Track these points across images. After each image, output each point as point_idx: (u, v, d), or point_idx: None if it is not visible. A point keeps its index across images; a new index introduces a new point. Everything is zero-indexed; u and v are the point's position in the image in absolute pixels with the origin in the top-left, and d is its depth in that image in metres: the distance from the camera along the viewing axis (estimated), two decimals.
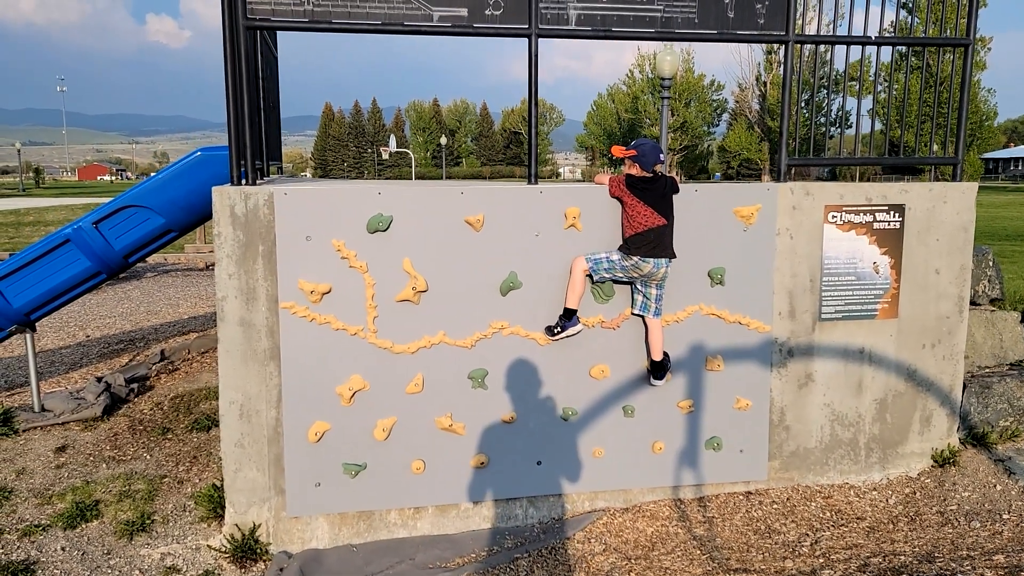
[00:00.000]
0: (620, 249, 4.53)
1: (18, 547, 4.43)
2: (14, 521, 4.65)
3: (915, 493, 5.09)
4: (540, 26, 4.60)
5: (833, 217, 4.98)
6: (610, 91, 71.21)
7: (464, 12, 4.55)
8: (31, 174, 75.10)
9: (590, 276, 4.61)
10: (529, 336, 4.69)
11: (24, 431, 5.68)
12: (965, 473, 5.19)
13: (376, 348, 4.52)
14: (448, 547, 4.70)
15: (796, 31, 4.84)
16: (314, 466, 4.54)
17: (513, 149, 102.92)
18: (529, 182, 4.84)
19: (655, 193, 4.46)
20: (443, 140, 69.48)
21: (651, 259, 4.42)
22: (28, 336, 5.92)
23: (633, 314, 4.73)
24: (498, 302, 4.64)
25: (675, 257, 4.54)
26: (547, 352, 4.73)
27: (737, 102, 60.38)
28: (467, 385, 4.66)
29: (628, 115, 64.30)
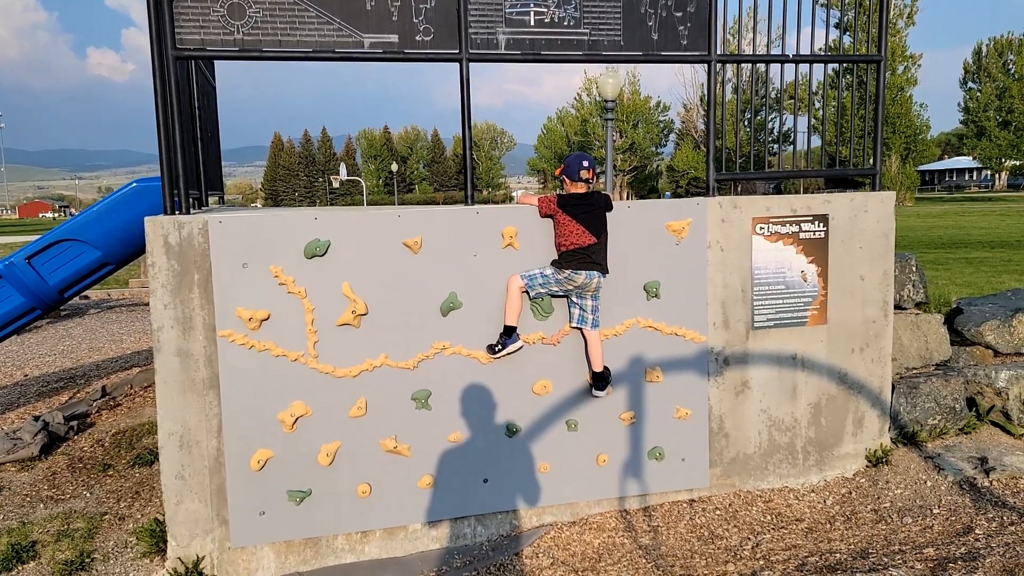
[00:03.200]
0: (553, 264, 4.63)
1: None
2: None
3: (851, 493, 5.25)
4: (470, 51, 4.71)
5: (761, 228, 5.16)
6: (559, 114, 72.24)
7: (395, 39, 4.64)
8: None
9: (527, 293, 4.69)
10: (471, 355, 4.75)
11: None
12: (897, 471, 5.37)
13: (318, 373, 4.52)
14: (397, 570, 4.70)
15: (718, 51, 5.03)
16: (258, 495, 4.51)
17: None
18: (466, 204, 4.91)
19: (586, 210, 4.58)
20: (394, 167, 69.49)
21: (583, 271, 4.53)
22: None
23: (572, 328, 4.83)
24: (439, 323, 4.69)
25: (607, 273, 4.65)
26: (490, 370, 4.78)
27: (683, 122, 61.75)
28: (411, 406, 4.69)
29: (578, 137, 65.27)
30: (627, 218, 4.85)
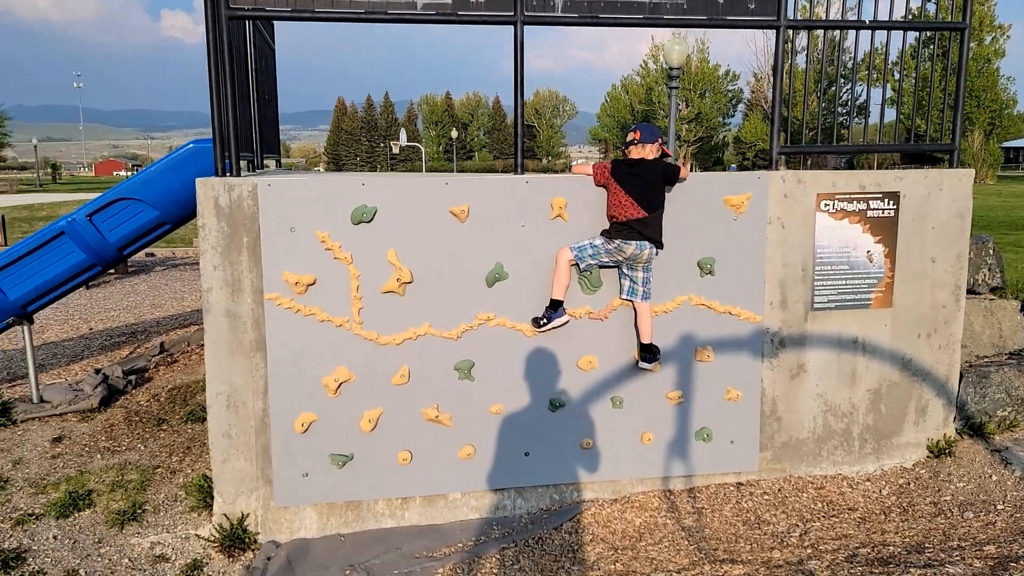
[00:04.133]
0: (603, 233, 4.51)
1: (11, 535, 4.47)
2: (8, 510, 4.70)
3: (909, 484, 5.03)
4: (526, 13, 4.56)
5: (826, 205, 4.91)
6: (624, 82, 70.89)
7: (449, 0, 4.52)
8: (48, 170, 75.85)
9: (576, 265, 4.58)
10: (515, 327, 4.67)
11: (22, 422, 5.74)
12: (961, 464, 5.12)
13: (362, 339, 4.51)
14: (436, 537, 4.70)
15: (788, 16, 4.77)
16: (301, 456, 4.55)
17: (527, 142, 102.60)
18: (516, 172, 4.81)
19: (639, 180, 4.42)
20: (454, 134, 69.34)
21: (633, 241, 4.39)
22: (26, 328, 5.98)
23: (621, 299, 4.71)
24: (484, 293, 4.62)
25: (661, 247, 4.51)
26: (534, 343, 4.71)
27: (753, 92, 59.94)
28: (454, 376, 4.66)
29: (642, 106, 64.02)
30: (683, 191, 4.67)
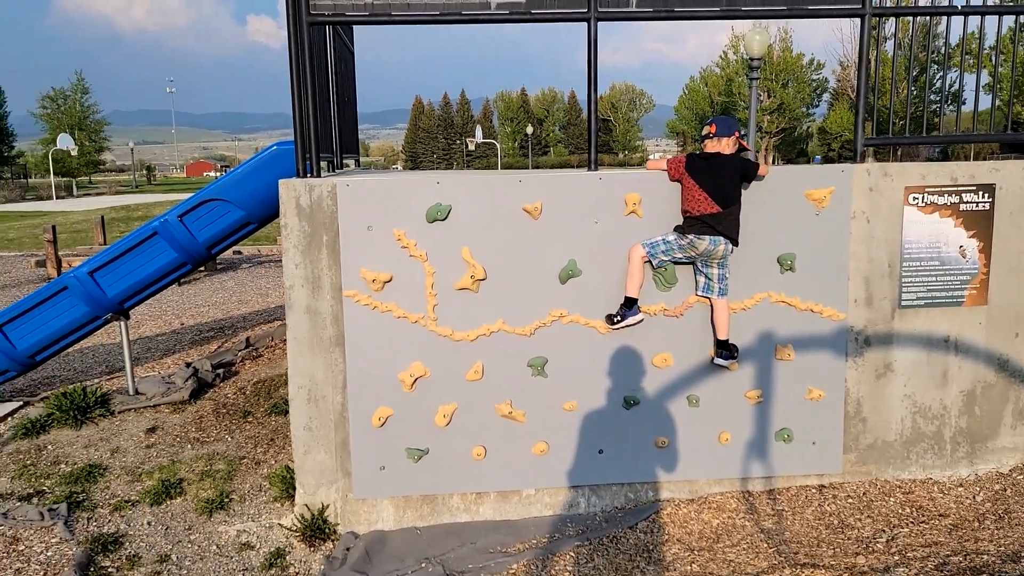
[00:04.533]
0: (676, 229, 4.44)
1: (109, 520, 4.73)
2: (107, 496, 4.97)
3: (1006, 490, 4.78)
4: (599, 9, 4.53)
5: (914, 199, 4.71)
6: (703, 74, 69.43)
7: None
8: (144, 172, 79.68)
9: (650, 262, 4.52)
10: (589, 324, 4.66)
11: (119, 413, 6.05)
12: None
13: (436, 336, 4.58)
14: (509, 533, 4.74)
15: (873, 3, 4.59)
16: (378, 450, 4.65)
17: (602, 136, 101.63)
18: (589, 169, 4.78)
19: (714, 174, 4.33)
20: (529, 129, 69.35)
21: (706, 236, 4.31)
22: (122, 324, 6.30)
23: (698, 297, 4.63)
24: (557, 290, 4.62)
25: (736, 244, 4.41)
26: (608, 340, 4.68)
27: (839, 81, 57.81)
28: (527, 373, 4.67)
29: (722, 98, 62.55)
30: (761, 185, 4.56)
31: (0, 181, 57.09)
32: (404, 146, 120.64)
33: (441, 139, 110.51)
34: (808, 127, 66.22)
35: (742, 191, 4.44)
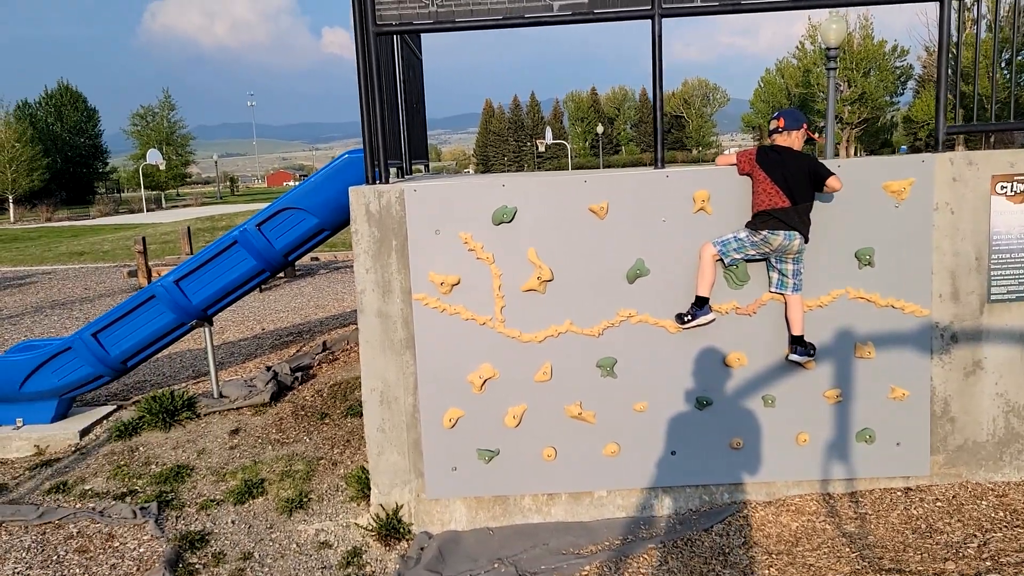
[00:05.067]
0: (747, 226, 4.34)
1: (196, 519, 4.94)
2: (194, 496, 5.19)
3: None
4: (663, 6, 4.48)
5: (1002, 188, 4.48)
6: (779, 65, 67.69)
7: None
8: (227, 183, 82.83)
9: (721, 261, 4.44)
10: (658, 324, 4.60)
11: (205, 415, 6.30)
12: None
13: (504, 337, 4.61)
14: (582, 534, 4.72)
15: None
16: (450, 451, 4.71)
17: (675, 133, 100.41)
18: (656, 167, 4.73)
19: (784, 168, 4.22)
20: (599, 129, 69.01)
21: (781, 231, 4.20)
22: (207, 330, 6.57)
23: (771, 293, 4.52)
24: (625, 290, 4.58)
25: (807, 240, 4.28)
26: (678, 340, 4.61)
27: (924, 67, 55.38)
28: (596, 374, 4.65)
29: (799, 89, 60.82)
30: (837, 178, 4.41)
31: (95, 196, 60.38)
32: (475, 150, 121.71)
33: (512, 141, 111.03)
34: (892, 116, 63.68)
35: (815, 193, 4.30)
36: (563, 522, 4.82)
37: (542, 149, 78.20)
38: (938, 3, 4.46)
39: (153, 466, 5.53)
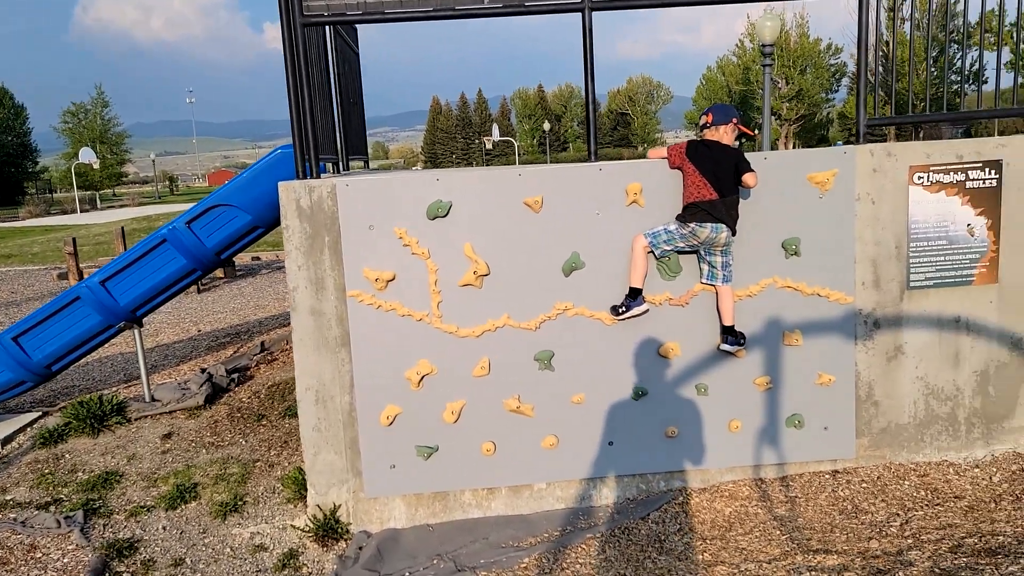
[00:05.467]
0: (677, 218, 4.41)
1: (125, 526, 4.80)
2: (123, 502, 5.05)
3: (1023, 470, 4.70)
4: None
5: (919, 178, 4.64)
6: (720, 63, 68.91)
7: None
8: (166, 182, 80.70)
9: (652, 253, 4.50)
10: (594, 316, 4.64)
11: (136, 419, 6.14)
12: None
13: (441, 333, 4.59)
14: (522, 527, 4.74)
15: None
16: (388, 449, 4.68)
17: (620, 130, 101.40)
18: (589, 160, 4.76)
19: (713, 162, 4.30)
20: (546, 126, 69.35)
21: (708, 224, 4.28)
22: (136, 332, 6.39)
23: (702, 285, 4.60)
24: (561, 283, 4.61)
25: (735, 233, 4.37)
26: (614, 332, 4.66)
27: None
28: (534, 367, 4.67)
29: (739, 87, 62.03)
30: (763, 170, 4.51)
31: (25, 197, 58.13)
32: (423, 147, 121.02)
33: (460, 139, 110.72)
34: (828, 112, 65.42)
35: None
36: (503, 516, 4.83)
37: (490, 146, 78.19)
38: (857, 1, 4.60)
39: (80, 473, 5.36)
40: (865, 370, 4.80)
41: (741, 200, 4.44)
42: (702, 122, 4.51)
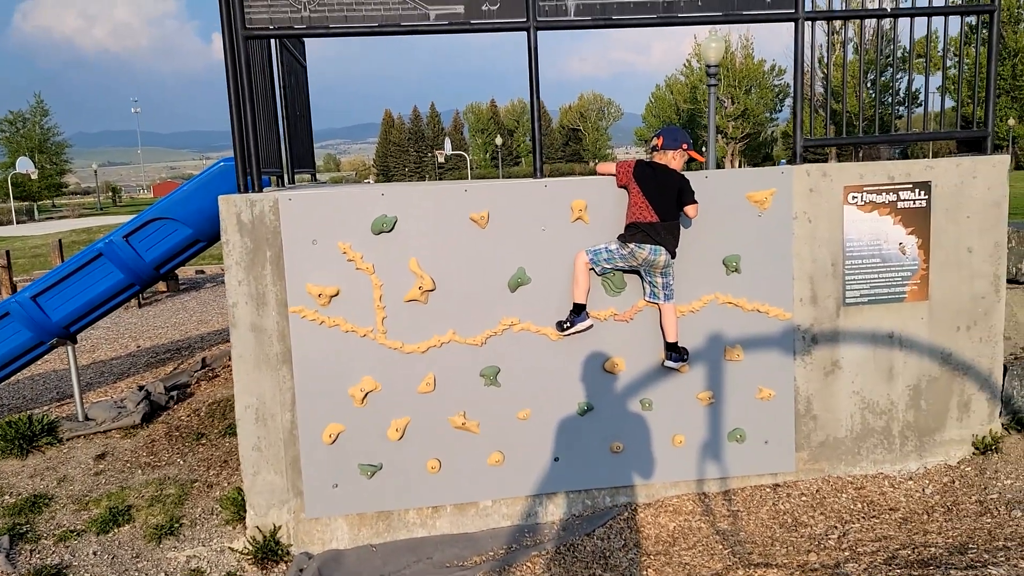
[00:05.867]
0: (618, 238, 4.45)
1: (53, 552, 4.62)
2: (52, 527, 4.85)
3: (954, 482, 4.85)
4: (538, 18, 4.55)
5: (854, 198, 4.78)
6: (668, 82, 70.20)
7: (460, 9, 4.53)
8: (109, 193, 78.56)
9: (594, 269, 4.54)
10: (540, 332, 4.65)
11: (68, 439, 5.92)
12: (1008, 460, 4.91)
13: (386, 349, 4.55)
14: (467, 546, 4.70)
15: (806, 7, 4.66)
16: (330, 467, 4.60)
17: (572, 146, 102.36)
18: (535, 176, 4.79)
19: (658, 186, 4.34)
20: (499, 141, 69.65)
21: (647, 245, 4.32)
22: (69, 348, 6.17)
23: (646, 300, 4.65)
24: (507, 298, 4.61)
25: (674, 256, 4.42)
26: (560, 347, 4.68)
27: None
28: (479, 383, 4.65)
29: (687, 105, 63.28)
30: (705, 189, 4.59)
31: None
32: (375, 160, 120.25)
33: (412, 152, 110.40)
34: (772, 132, 67.11)
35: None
36: (448, 534, 4.78)
37: (442, 160, 78.10)
38: (792, 24, 4.73)
39: (7, 497, 5.13)
40: (804, 385, 4.90)
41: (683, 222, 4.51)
42: (652, 144, 4.56)
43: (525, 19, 4.55)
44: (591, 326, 4.60)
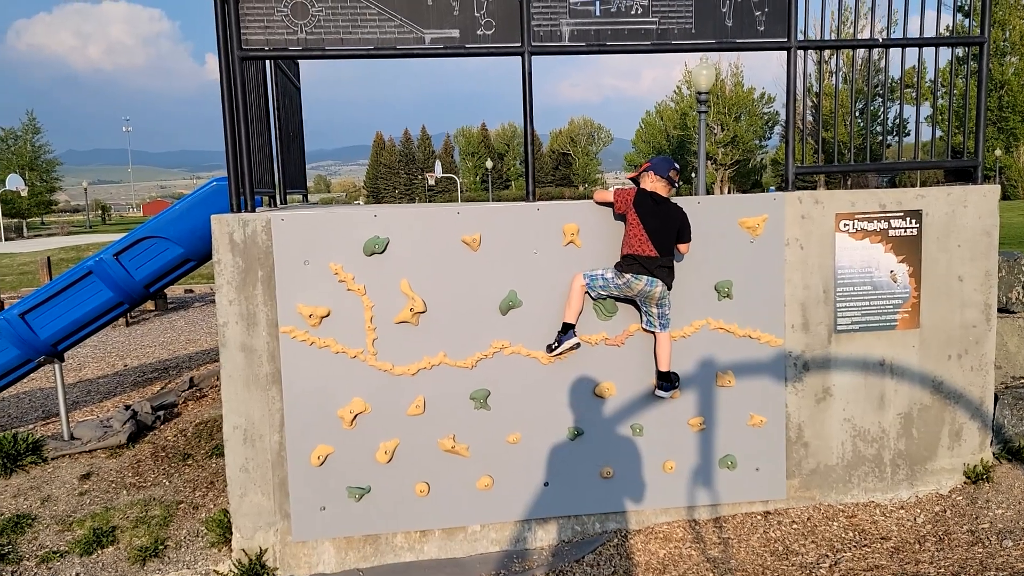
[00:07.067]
0: (615, 267, 4.44)
1: (35, 573, 4.53)
2: (34, 548, 4.77)
3: (945, 511, 4.83)
4: (533, 43, 4.59)
5: (845, 225, 4.81)
6: (658, 108, 70.91)
7: (456, 33, 4.57)
8: (99, 211, 78.28)
9: (589, 293, 4.53)
10: (531, 355, 4.64)
11: (53, 459, 5.83)
12: (999, 489, 4.91)
13: (376, 370, 4.52)
14: (455, 571, 4.65)
15: (799, 37, 4.72)
16: (318, 490, 4.55)
17: (562, 170, 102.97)
18: (527, 200, 4.80)
19: (659, 218, 4.34)
20: (489, 164, 70.03)
21: (643, 277, 4.32)
22: (56, 366, 6.11)
23: (640, 327, 4.64)
24: (499, 321, 4.60)
25: (670, 289, 4.42)
26: (551, 371, 4.66)
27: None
28: (469, 406, 4.62)
29: (677, 132, 63.87)
30: (697, 214, 4.61)
31: None
32: (366, 182, 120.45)
33: (403, 174, 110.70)
34: (762, 158, 67.73)
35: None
36: (436, 559, 4.73)
37: (432, 183, 78.36)
38: (786, 53, 4.79)
39: None
40: (795, 411, 4.89)
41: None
42: (642, 168, 4.54)
43: (520, 44, 4.58)
44: (578, 344, 4.56)
